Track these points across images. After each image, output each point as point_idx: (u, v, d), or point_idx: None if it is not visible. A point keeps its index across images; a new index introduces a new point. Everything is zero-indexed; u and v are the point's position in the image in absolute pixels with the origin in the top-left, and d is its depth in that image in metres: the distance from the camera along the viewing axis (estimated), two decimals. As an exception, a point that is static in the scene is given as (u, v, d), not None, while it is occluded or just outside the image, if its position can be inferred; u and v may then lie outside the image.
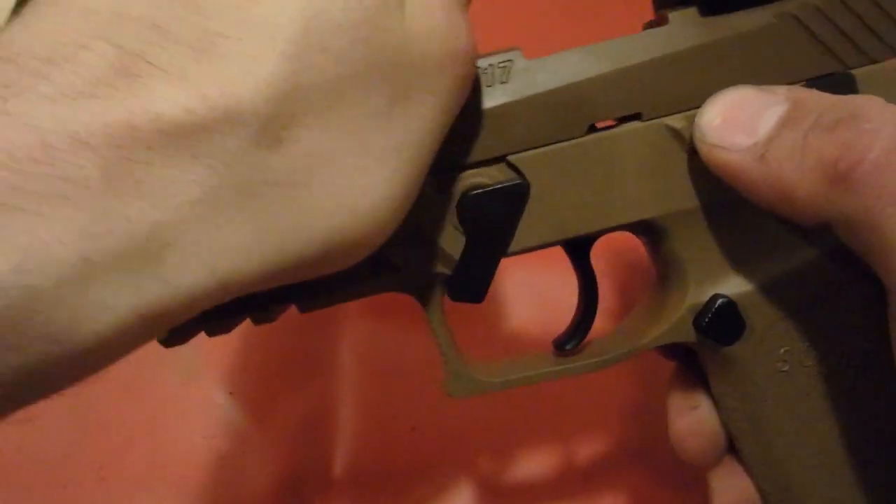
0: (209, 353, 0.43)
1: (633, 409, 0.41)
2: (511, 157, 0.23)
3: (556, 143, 0.23)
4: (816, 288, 0.24)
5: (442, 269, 0.24)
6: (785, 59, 0.23)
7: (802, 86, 0.23)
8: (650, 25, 0.25)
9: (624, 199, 0.23)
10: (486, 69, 0.23)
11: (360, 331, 0.44)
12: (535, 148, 0.23)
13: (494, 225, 0.23)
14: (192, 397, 0.42)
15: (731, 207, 0.23)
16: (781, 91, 0.21)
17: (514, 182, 0.23)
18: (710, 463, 0.28)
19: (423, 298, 0.25)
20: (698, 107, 0.22)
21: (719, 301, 0.24)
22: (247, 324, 0.38)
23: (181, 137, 0.16)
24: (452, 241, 0.23)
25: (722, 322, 0.24)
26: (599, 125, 0.24)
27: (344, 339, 0.44)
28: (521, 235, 0.24)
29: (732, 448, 0.28)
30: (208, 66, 0.16)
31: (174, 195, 0.16)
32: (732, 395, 0.26)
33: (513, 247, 0.24)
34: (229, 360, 0.43)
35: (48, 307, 0.15)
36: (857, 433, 0.25)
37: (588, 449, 0.42)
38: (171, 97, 0.15)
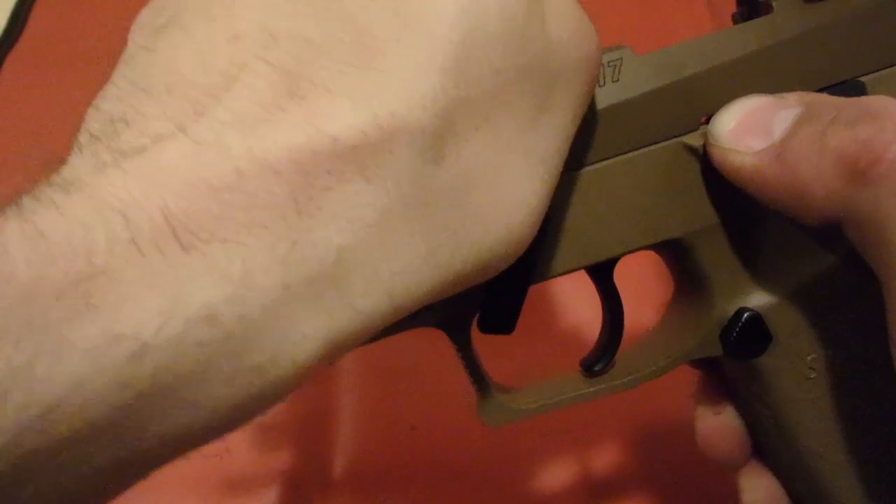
0: None
1: (638, 411, 0.41)
2: None
3: (667, 138, 0.23)
4: (838, 293, 0.24)
5: (471, 302, 0.24)
6: (886, 42, 0.22)
7: None
8: (743, 14, 0.24)
9: (646, 221, 0.23)
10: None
11: None
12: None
13: (521, 257, 0.21)
14: None
15: (751, 221, 0.23)
16: (793, 96, 0.21)
17: None
18: (737, 464, 0.28)
19: (453, 333, 0.25)
20: (827, 87, 0.22)
21: (745, 315, 0.24)
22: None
23: (355, 160, 0.15)
24: None
25: (749, 335, 0.24)
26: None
27: None
28: (546, 264, 0.23)
29: (758, 450, 0.28)
30: (372, 83, 0.16)
31: (353, 219, 0.15)
32: (760, 402, 0.26)
33: (538, 276, 0.23)
34: None
35: (257, 337, 0.14)
36: (887, 432, 0.25)
37: (590, 449, 0.42)
38: (343, 118, 0.15)
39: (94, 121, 0.16)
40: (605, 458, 0.41)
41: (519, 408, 0.25)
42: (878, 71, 0.23)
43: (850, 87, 0.22)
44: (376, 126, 0.15)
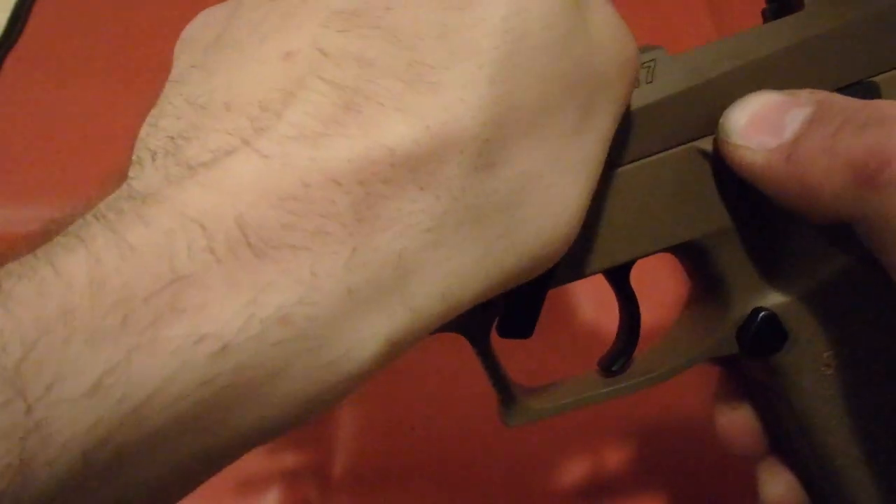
0: None
1: (637, 408, 0.41)
2: None
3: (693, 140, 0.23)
4: (854, 291, 0.24)
5: (491, 308, 0.24)
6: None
7: None
8: (774, 10, 0.24)
9: (662, 225, 0.23)
10: None
11: None
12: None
13: None
14: None
15: (766, 222, 0.23)
16: (804, 93, 0.21)
17: None
18: (757, 457, 0.29)
19: (473, 337, 0.25)
20: (842, 87, 0.22)
21: (761, 314, 0.24)
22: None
23: (409, 169, 0.16)
24: None
25: (765, 334, 0.24)
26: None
27: None
28: (564, 269, 0.23)
29: (776, 445, 0.28)
30: (422, 96, 0.16)
31: (409, 225, 0.16)
32: (777, 398, 0.26)
33: (556, 281, 0.23)
34: None
35: (328, 337, 0.16)
36: None
37: (592, 449, 0.42)
38: (397, 130, 0.16)
39: (152, 137, 0.17)
40: (608, 458, 0.41)
41: (540, 407, 0.26)
42: (889, 71, 0.22)
43: (865, 89, 0.22)
44: (428, 136, 0.16)
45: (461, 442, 0.41)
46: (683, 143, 0.23)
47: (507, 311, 0.24)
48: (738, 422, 0.28)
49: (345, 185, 0.16)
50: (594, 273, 0.24)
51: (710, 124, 0.22)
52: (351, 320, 0.16)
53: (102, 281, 0.14)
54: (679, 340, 0.27)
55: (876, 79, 0.22)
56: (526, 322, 0.24)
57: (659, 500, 0.40)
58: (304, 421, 0.17)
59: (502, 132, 0.17)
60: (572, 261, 0.23)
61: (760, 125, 0.21)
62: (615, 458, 0.41)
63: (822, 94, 0.21)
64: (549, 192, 0.18)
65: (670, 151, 0.23)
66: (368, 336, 0.16)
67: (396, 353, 0.18)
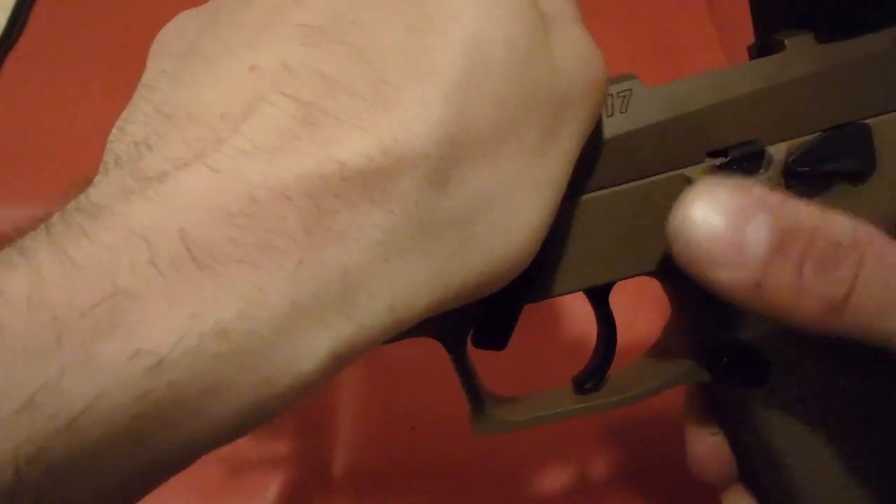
0: None
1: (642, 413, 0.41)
2: None
3: (636, 180, 0.23)
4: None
5: (467, 318, 0.24)
6: (892, 87, 0.22)
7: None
8: (759, 49, 0.24)
9: (645, 249, 0.23)
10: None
11: None
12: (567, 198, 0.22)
13: (518, 277, 0.21)
14: None
15: None
16: (755, 191, 0.20)
17: None
18: (724, 484, 0.29)
19: (449, 345, 0.25)
20: (812, 132, 0.22)
21: (737, 345, 0.24)
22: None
23: (361, 184, 0.16)
24: None
25: (737, 365, 0.24)
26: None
27: None
28: (544, 285, 0.23)
29: (743, 474, 0.28)
30: (380, 113, 0.17)
31: (359, 239, 0.16)
32: (748, 429, 0.26)
33: (535, 296, 0.23)
34: None
35: (266, 351, 0.16)
36: (875, 469, 0.25)
37: (589, 451, 0.42)
38: (351, 146, 0.16)
39: (119, 142, 0.18)
40: (604, 459, 0.41)
41: (510, 419, 0.26)
42: (883, 114, 0.23)
43: (857, 130, 0.22)
44: (382, 152, 0.16)
45: (461, 442, 0.42)
46: (666, 172, 0.23)
47: (483, 322, 0.24)
48: (708, 449, 0.28)
49: (294, 200, 0.16)
50: (573, 292, 0.24)
51: (691, 155, 0.23)
52: (293, 334, 0.16)
53: (41, 297, 0.14)
54: (654, 364, 0.27)
55: (868, 121, 0.23)
56: (500, 335, 0.24)
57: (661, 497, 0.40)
58: (244, 433, 0.17)
59: (457, 151, 0.17)
60: (551, 278, 0.23)
61: (722, 241, 0.20)
62: (614, 460, 0.41)
63: (776, 204, 0.20)
64: (505, 212, 0.18)
65: (653, 178, 0.23)
66: (310, 350, 0.16)
67: (342, 365, 0.17)
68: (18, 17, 0.54)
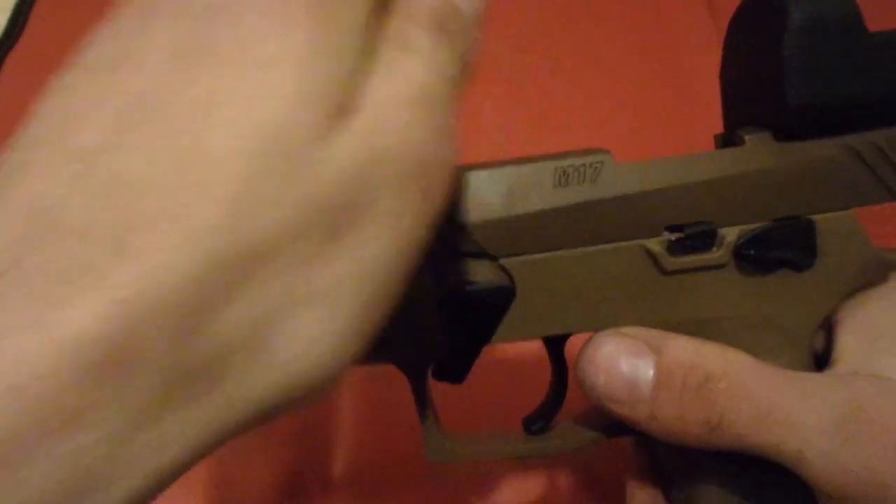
0: None
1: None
2: (502, 261, 0.25)
3: (550, 251, 0.25)
4: None
5: (429, 351, 0.26)
6: (844, 187, 0.25)
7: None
8: (723, 140, 0.27)
9: (601, 308, 0.26)
10: (578, 167, 0.25)
11: None
12: (527, 254, 0.25)
13: (481, 320, 0.25)
14: None
15: (695, 326, 0.26)
16: (640, 337, 0.25)
17: (503, 284, 0.25)
18: None
19: (410, 374, 0.27)
20: (762, 220, 0.25)
21: None
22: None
23: (105, 352, 0.14)
24: (440, 328, 0.25)
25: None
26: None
27: None
28: (504, 329, 0.25)
29: None
30: (125, 265, 0.14)
31: (111, 415, 0.14)
32: (683, 492, 0.28)
33: (495, 339, 0.25)
34: None
35: None
36: None
37: (594, 453, 0.42)
38: (89, 309, 0.14)
39: None
40: (608, 461, 0.41)
41: (460, 451, 0.28)
42: (828, 212, 0.25)
43: (802, 224, 0.25)
44: (125, 311, 0.14)
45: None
46: (626, 240, 0.25)
47: (443, 358, 0.25)
48: (645, 501, 0.29)
49: (26, 389, 0.13)
50: (531, 338, 0.26)
51: (651, 228, 0.25)
52: None
53: None
54: (599, 414, 0.28)
55: (813, 217, 0.25)
56: (459, 370, 0.26)
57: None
58: None
59: (214, 289, 0.15)
60: (512, 324, 0.25)
61: (618, 383, 0.24)
62: (615, 458, 0.41)
63: (659, 345, 0.24)
64: (289, 328, 0.16)
65: (614, 245, 0.25)
66: None
67: None
68: (18, 18, 0.54)
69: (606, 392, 0.25)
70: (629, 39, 0.56)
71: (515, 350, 0.39)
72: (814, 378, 0.25)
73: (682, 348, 0.24)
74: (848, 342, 0.26)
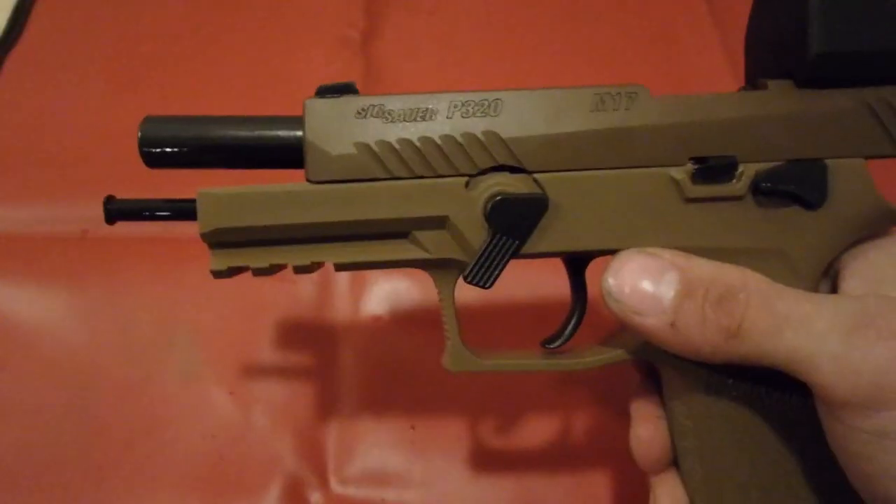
0: (208, 353, 0.43)
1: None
2: (536, 175, 0.27)
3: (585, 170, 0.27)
4: None
5: (462, 255, 0.28)
6: (856, 137, 0.27)
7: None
8: (748, 89, 0.29)
9: (623, 230, 0.28)
10: (615, 95, 0.27)
11: (360, 331, 0.44)
12: (564, 171, 0.27)
13: (516, 227, 0.27)
14: (191, 397, 0.42)
15: (707, 252, 0.27)
16: (666, 256, 0.27)
17: (537, 195, 0.27)
18: (657, 470, 0.31)
19: (439, 278, 0.29)
20: (779, 159, 0.27)
21: None
22: (246, 327, 0.37)
23: None
24: (476, 233, 0.27)
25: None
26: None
27: (345, 340, 0.44)
28: (534, 241, 0.28)
29: (676, 461, 0.31)
30: None
31: None
32: (685, 413, 0.29)
33: (525, 249, 0.28)
34: (230, 361, 0.43)
35: None
36: (795, 470, 0.28)
37: (587, 457, 0.42)
38: None
39: None
40: (604, 463, 0.41)
41: (479, 361, 0.30)
42: (839, 158, 0.27)
43: (816, 166, 0.27)
44: None
45: (459, 441, 0.42)
46: (653, 167, 0.27)
47: (477, 261, 0.27)
48: (649, 430, 0.31)
49: None
50: (556, 254, 0.28)
51: (677, 158, 0.27)
52: None
53: None
54: (612, 340, 0.31)
55: (826, 161, 0.27)
56: (491, 273, 0.28)
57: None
58: None
59: None
60: (543, 236, 0.27)
61: (642, 293, 0.26)
62: (611, 456, 0.41)
63: (683, 264, 0.27)
64: None
65: (641, 170, 0.27)
66: None
67: None
68: (18, 18, 0.54)
69: (630, 304, 0.26)
70: (631, 41, 0.56)
71: (536, 286, 0.39)
72: (824, 295, 0.27)
73: (704, 265, 0.27)
74: (852, 286, 0.27)
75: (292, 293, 0.45)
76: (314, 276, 0.44)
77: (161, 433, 0.41)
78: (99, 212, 0.28)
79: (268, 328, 0.44)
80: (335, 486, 0.41)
